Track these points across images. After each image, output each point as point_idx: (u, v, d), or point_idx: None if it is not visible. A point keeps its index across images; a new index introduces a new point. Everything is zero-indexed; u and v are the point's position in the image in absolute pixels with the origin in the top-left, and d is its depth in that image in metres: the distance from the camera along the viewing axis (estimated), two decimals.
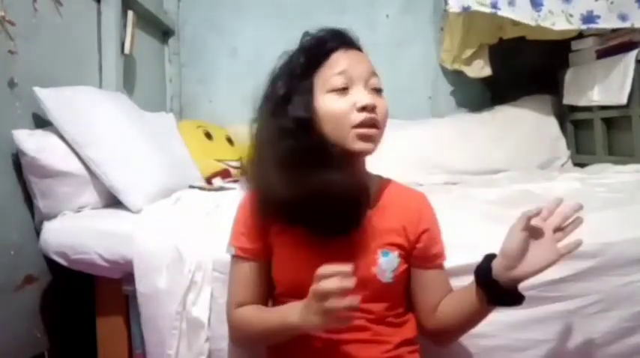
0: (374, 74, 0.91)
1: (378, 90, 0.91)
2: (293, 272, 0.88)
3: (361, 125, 0.87)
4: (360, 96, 0.88)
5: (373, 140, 0.89)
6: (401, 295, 0.93)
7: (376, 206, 0.93)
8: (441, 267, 0.96)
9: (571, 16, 1.79)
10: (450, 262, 1.02)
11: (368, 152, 0.90)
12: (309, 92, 0.90)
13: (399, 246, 0.90)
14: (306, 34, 0.95)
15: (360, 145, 0.88)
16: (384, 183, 0.99)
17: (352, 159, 0.90)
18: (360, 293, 0.79)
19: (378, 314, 0.89)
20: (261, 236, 0.92)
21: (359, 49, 0.95)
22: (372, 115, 0.87)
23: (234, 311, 0.93)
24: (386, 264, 0.88)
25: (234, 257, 0.94)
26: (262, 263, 0.93)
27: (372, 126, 0.88)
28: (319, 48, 0.92)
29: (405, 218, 0.93)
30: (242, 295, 0.94)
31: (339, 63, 0.90)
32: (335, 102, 0.88)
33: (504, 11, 1.85)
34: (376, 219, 0.90)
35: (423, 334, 0.95)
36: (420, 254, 0.93)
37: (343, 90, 0.89)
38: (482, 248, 1.04)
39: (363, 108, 0.87)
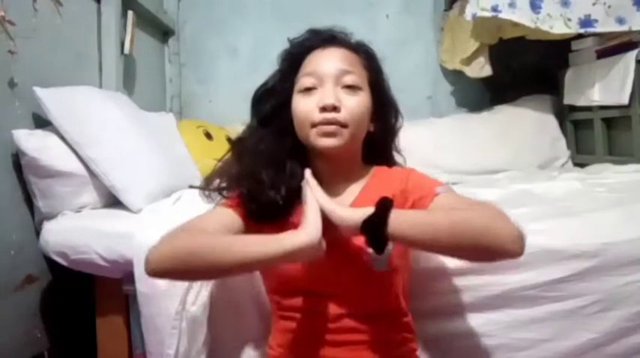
0: (347, 71, 0.90)
1: (352, 87, 0.90)
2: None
3: (320, 124, 0.87)
4: (324, 95, 0.88)
5: (335, 135, 0.87)
6: (398, 285, 0.90)
7: (364, 195, 0.93)
8: (433, 197, 0.87)
9: (569, 20, 1.80)
10: (450, 262, 1.02)
11: (333, 148, 0.88)
12: (286, 94, 0.93)
13: None
14: (290, 40, 0.97)
15: (322, 142, 0.88)
16: (377, 171, 1.00)
17: (330, 156, 0.92)
18: (354, 282, 0.84)
19: (374, 303, 0.88)
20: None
21: (343, 44, 0.94)
22: (332, 115, 0.87)
23: (189, 227, 0.83)
24: None
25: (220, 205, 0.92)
26: (244, 224, 0.90)
27: (332, 124, 0.87)
28: (297, 50, 0.94)
29: (391, 193, 0.89)
30: (207, 226, 0.85)
31: (311, 63, 0.92)
32: (301, 102, 0.91)
33: (505, 13, 1.87)
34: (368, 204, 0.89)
35: None
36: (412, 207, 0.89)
37: (310, 89, 0.90)
38: None
39: (323, 109, 0.87)
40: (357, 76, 0.91)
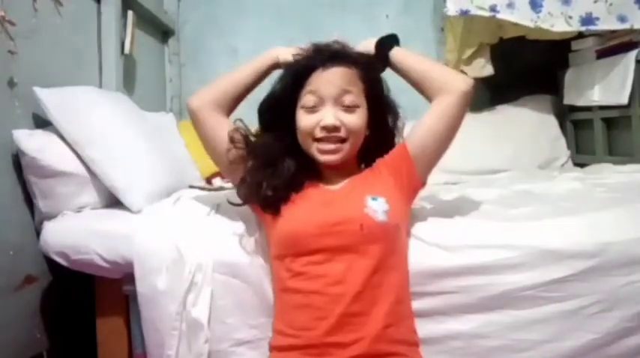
0: (347, 91, 1.00)
1: (350, 107, 1.00)
2: (294, 223, 0.98)
3: (320, 140, 1.00)
4: (325, 115, 0.99)
5: (334, 152, 1.01)
6: (396, 239, 0.98)
7: (351, 183, 1.05)
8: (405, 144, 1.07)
9: (570, 17, 1.80)
10: (450, 262, 1.02)
11: (332, 162, 1.02)
12: (288, 105, 1.04)
13: (387, 194, 0.99)
14: (296, 55, 1.07)
15: (323, 158, 1.01)
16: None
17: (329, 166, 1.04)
18: (357, 234, 0.92)
19: (378, 259, 0.93)
20: None
21: (343, 62, 1.02)
22: (332, 134, 0.99)
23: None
24: (376, 205, 0.96)
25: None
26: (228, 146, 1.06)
27: (333, 141, 1.00)
28: (302, 69, 1.03)
29: (378, 171, 1.06)
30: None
31: (313, 83, 1.01)
32: (304, 119, 1.02)
33: (503, 14, 1.86)
34: (360, 181, 1.05)
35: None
36: (403, 165, 1.06)
37: (312, 108, 1.01)
38: (482, 248, 1.05)
39: (324, 128, 0.99)
40: (354, 95, 1.01)
